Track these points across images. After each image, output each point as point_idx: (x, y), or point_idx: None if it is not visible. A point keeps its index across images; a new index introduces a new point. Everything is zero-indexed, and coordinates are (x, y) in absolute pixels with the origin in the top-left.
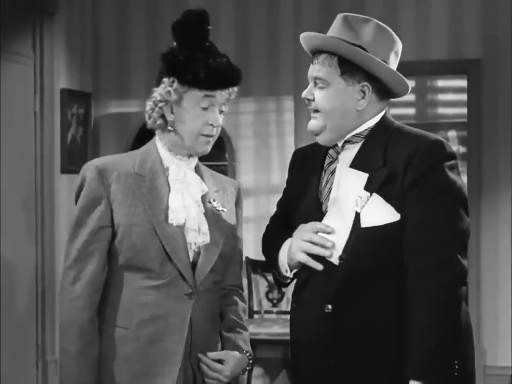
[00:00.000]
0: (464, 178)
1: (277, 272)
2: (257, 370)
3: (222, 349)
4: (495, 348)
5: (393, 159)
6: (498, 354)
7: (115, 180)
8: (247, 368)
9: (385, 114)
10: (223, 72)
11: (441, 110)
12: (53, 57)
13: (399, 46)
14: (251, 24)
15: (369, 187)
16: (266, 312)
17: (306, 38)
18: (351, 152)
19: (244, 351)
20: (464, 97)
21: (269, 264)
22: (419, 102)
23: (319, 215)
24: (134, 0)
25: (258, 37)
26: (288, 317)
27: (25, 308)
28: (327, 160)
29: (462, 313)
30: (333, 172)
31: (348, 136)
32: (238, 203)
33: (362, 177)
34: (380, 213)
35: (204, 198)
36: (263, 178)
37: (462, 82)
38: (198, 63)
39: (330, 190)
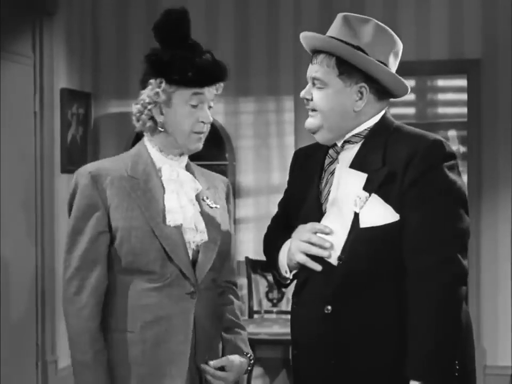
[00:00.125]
0: (464, 178)
1: (277, 273)
2: (257, 370)
3: (222, 350)
4: (495, 347)
5: (392, 159)
6: (498, 354)
7: (109, 185)
8: (248, 368)
9: (385, 114)
10: (210, 68)
11: (441, 110)
12: (53, 57)
13: (399, 46)
14: (251, 24)
15: (368, 187)
16: (266, 312)
17: (306, 38)
18: (350, 152)
19: (245, 353)
20: (464, 97)
21: (269, 264)
22: (419, 101)
23: (318, 215)
24: (133, 0)
25: (258, 37)
26: (288, 316)
27: (25, 308)
28: (327, 160)
29: (462, 313)
30: (332, 172)
31: (347, 136)
32: (228, 199)
33: (362, 177)
34: (378, 213)
35: (197, 196)
36: (263, 178)
37: (462, 82)
38: (185, 61)
39: (330, 191)
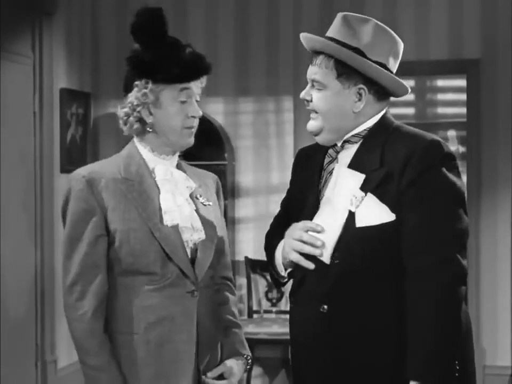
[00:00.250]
0: (463, 178)
1: (274, 271)
2: (256, 370)
3: (221, 352)
4: (494, 347)
5: (390, 160)
6: (497, 354)
7: (104, 188)
8: (247, 367)
9: (385, 114)
10: (195, 62)
11: (440, 110)
12: (52, 57)
13: (399, 46)
14: (251, 24)
15: (365, 187)
16: (266, 311)
17: (305, 39)
18: (349, 152)
19: (243, 355)
20: (463, 97)
21: (268, 263)
22: (418, 101)
23: (315, 213)
24: (133, 0)
25: (258, 37)
26: (287, 316)
27: (24, 308)
28: (326, 160)
29: (462, 313)
30: (331, 172)
31: (346, 136)
32: (218, 195)
33: (359, 178)
34: (374, 212)
35: (191, 194)
36: (263, 178)
37: (462, 82)
38: (169, 59)
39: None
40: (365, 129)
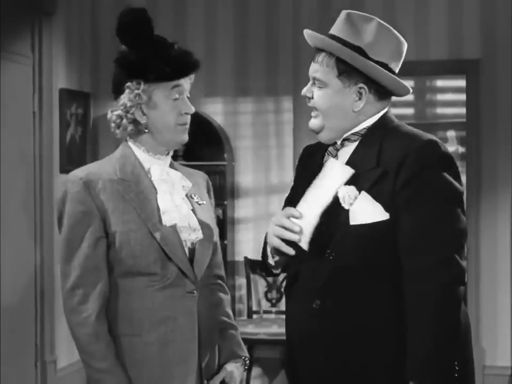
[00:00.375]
0: (463, 179)
1: (264, 260)
2: (256, 371)
3: (219, 355)
4: (494, 347)
5: (386, 159)
6: (497, 354)
7: (102, 189)
8: (246, 368)
9: (385, 113)
10: (185, 59)
11: (440, 110)
12: (52, 57)
13: (402, 46)
14: (250, 24)
15: (361, 185)
16: (265, 312)
17: (308, 36)
18: (349, 150)
19: (241, 357)
20: (463, 97)
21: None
22: (418, 102)
23: None
24: (132, 0)
25: (257, 37)
26: None
27: (24, 308)
28: (326, 157)
29: (461, 313)
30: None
31: (346, 134)
32: (209, 194)
33: (348, 172)
34: (368, 211)
35: (186, 194)
36: (262, 178)
37: (461, 82)
38: (159, 58)
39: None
40: (364, 128)
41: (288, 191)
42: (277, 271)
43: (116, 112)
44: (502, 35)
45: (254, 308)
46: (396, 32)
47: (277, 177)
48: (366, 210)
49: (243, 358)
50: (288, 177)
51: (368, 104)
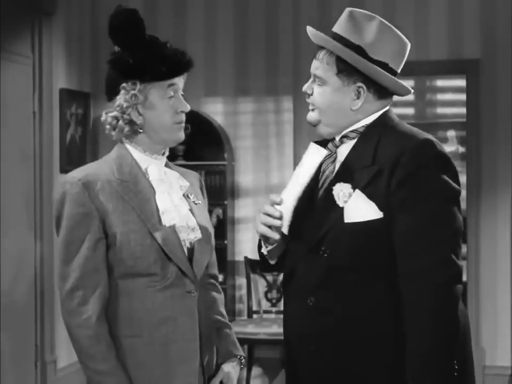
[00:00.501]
0: (463, 178)
1: (260, 252)
2: (256, 370)
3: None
4: (494, 347)
5: (382, 158)
6: (497, 354)
7: (100, 190)
8: (241, 367)
9: (385, 112)
10: (179, 58)
11: (440, 110)
12: (52, 57)
13: (403, 45)
14: (250, 24)
15: (355, 183)
16: (265, 312)
17: (310, 33)
18: (348, 147)
19: (237, 356)
20: (463, 97)
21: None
22: (418, 102)
23: (311, 206)
24: (132, 0)
25: (257, 37)
26: None
27: (24, 308)
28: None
29: (459, 312)
30: (328, 166)
31: (345, 132)
32: (203, 194)
33: (321, 153)
34: (362, 209)
35: (183, 193)
36: (262, 178)
37: (461, 82)
38: (153, 57)
39: (325, 182)
40: (363, 126)
41: None
42: (273, 262)
43: (111, 114)
44: (502, 35)
45: (254, 308)
46: (398, 31)
47: (277, 177)
48: (360, 209)
49: (238, 357)
50: (288, 177)
51: (367, 103)
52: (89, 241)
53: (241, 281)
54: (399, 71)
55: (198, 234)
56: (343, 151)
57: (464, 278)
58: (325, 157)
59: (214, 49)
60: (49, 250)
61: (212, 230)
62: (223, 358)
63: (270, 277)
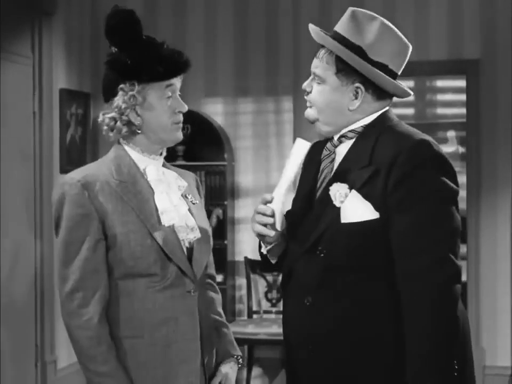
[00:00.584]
0: (463, 179)
1: (260, 251)
2: (256, 371)
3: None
4: (494, 347)
5: (379, 158)
6: (497, 354)
7: (100, 191)
8: (239, 366)
9: (384, 112)
10: (176, 58)
11: (440, 110)
12: (52, 57)
13: (404, 47)
14: (250, 24)
15: (352, 184)
16: (265, 312)
17: (312, 31)
18: (346, 146)
19: (234, 356)
20: (463, 97)
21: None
22: (418, 102)
23: (308, 206)
24: (131, 0)
25: (257, 37)
26: None
27: (24, 309)
28: (324, 153)
29: (458, 311)
30: (327, 165)
31: (343, 131)
32: (199, 194)
33: (306, 147)
34: (358, 209)
35: (181, 193)
36: (262, 178)
37: (461, 83)
38: (151, 58)
39: (323, 182)
40: (361, 126)
41: None
42: (274, 261)
43: (109, 115)
44: (502, 35)
45: (254, 308)
46: (399, 33)
47: (277, 177)
48: (356, 209)
49: (236, 357)
50: None
51: (365, 103)
52: (89, 242)
53: (241, 281)
54: (399, 72)
55: (197, 234)
56: (342, 151)
57: (464, 278)
58: (324, 157)
59: (214, 49)
60: (49, 251)
61: (210, 230)
62: (221, 357)
63: (270, 277)
